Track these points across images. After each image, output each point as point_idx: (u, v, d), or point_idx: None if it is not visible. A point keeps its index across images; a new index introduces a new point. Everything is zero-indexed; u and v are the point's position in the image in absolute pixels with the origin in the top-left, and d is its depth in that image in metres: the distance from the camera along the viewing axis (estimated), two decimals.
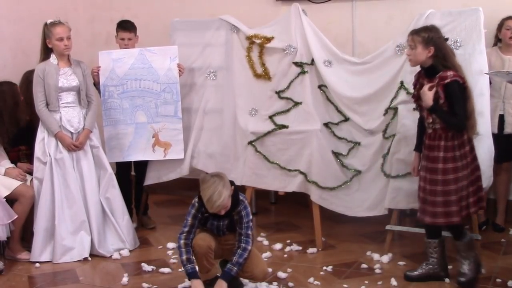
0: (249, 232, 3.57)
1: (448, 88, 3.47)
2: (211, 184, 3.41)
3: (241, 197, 3.58)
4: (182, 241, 3.55)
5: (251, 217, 3.60)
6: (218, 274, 3.63)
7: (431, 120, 3.58)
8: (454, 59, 3.59)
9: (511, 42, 4.43)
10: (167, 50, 4.76)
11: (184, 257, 3.52)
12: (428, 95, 3.52)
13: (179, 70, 4.72)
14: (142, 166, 4.95)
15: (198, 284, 3.49)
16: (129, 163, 4.93)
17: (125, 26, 4.86)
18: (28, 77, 4.68)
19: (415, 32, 3.58)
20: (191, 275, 3.51)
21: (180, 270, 4.03)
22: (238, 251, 3.53)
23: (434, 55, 3.53)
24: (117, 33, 4.88)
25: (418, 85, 3.67)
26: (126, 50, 4.81)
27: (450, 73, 3.48)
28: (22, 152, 4.61)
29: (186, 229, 3.58)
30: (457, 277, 3.67)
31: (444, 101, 3.49)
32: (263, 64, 4.61)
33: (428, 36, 3.53)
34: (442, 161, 3.53)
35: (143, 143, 4.76)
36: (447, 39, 3.64)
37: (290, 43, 4.50)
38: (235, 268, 3.51)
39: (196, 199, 3.58)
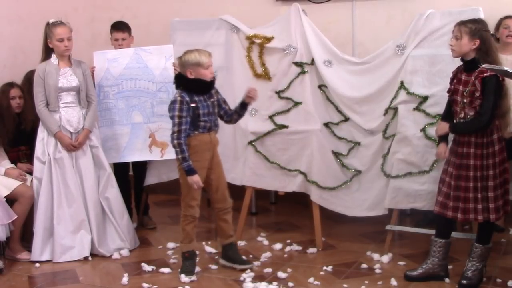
0: None
1: (485, 82, 3.43)
2: (190, 51, 3.82)
3: None
4: (175, 141, 3.76)
5: None
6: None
7: (462, 115, 3.56)
8: (497, 55, 3.53)
9: (508, 41, 4.43)
10: (162, 49, 4.75)
11: (180, 156, 3.75)
12: (440, 126, 3.67)
13: (175, 69, 4.71)
14: (140, 167, 4.95)
15: (198, 177, 3.76)
16: (126, 163, 4.92)
17: (118, 27, 4.86)
18: (29, 77, 4.69)
19: (462, 23, 3.54)
20: (191, 171, 3.73)
21: (180, 270, 4.03)
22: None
23: (478, 48, 3.49)
24: (111, 34, 4.89)
25: (455, 79, 3.64)
26: (121, 50, 4.79)
27: (497, 65, 3.42)
28: (22, 152, 4.61)
29: (176, 129, 3.76)
30: (459, 279, 3.65)
31: (480, 94, 3.46)
32: (263, 64, 4.61)
33: (476, 28, 3.49)
34: (473, 157, 3.52)
35: (140, 144, 4.74)
36: (493, 35, 3.60)
37: (290, 43, 4.50)
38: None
39: (176, 95, 3.80)
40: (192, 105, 3.77)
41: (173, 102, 3.79)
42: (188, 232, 3.92)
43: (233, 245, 4.09)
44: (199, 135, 3.83)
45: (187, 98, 3.77)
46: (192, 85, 3.80)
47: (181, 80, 3.84)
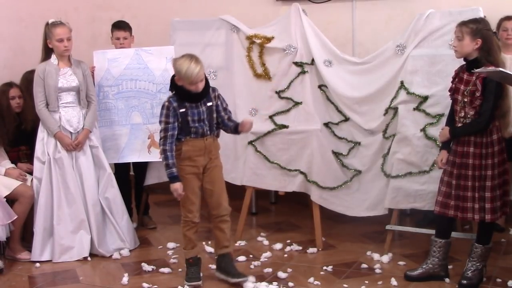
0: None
1: (486, 82, 3.43)
2: (185, 58, 3.60)
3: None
4: (161, 147, 3.69)
5: None
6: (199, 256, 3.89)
7: (462, 114, 3.56)
8: (499, 54, 3.52)
9: (509, 43, 4.46)
10: (163, 50, 4.74)
11: (164, 162, 3.66)
12: (442, 133, 3.68)
13: None
14: (141, 167, 4.94)
15: (180, 185, 3.66)
16: (127, 163, 4.91)
17: (120, 25, 4.86)
18: (27, 77, 4.70)
19: (463, 23, 3.54)
20: (173, 179, 3.65)
21: (180, 270, 4.03)
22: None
23: (480, 48, 3.49)
24: (112, 33, 4.88)
25: (457, 78, 3.64)
26: (121, 50, 4.79)
27: (491, 67, 3.42)
28: (22, 152, 4.61)
29: (162, 134, 3.69)
30: (459, 279, 3.65)
31: (480, 94, 3.46)
32: (263, 64, 4.61)
33: (477, 28, 3.48)
34: (472, 156, 3.52)
35: (139, 144, 4.73)
36: (495, 33, 3.59)
37: (290, 43, 4.50)
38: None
39: (165, 101, 3.70)
40: (181, 110, 3.65)
41: (162, 107, 3.69)
42: (190, 238, 3.82)
43: (227, 256, 3.86)
44: (191, 140, 3.69)
45: (175, 104, 3.64)
46: (180, 91, 3.67)
47: (172, 84, 3.72)
